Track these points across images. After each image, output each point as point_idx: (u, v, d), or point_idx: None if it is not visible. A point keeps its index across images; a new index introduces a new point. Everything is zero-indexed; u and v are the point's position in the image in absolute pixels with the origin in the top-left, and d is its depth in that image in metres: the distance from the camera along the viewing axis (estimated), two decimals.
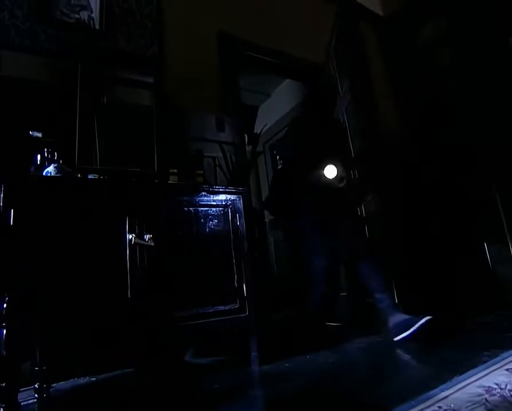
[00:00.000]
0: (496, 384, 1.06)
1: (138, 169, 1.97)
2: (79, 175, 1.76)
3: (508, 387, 1.03)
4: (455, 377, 1.17)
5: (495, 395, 1.00)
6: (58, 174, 1.54)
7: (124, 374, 1.70)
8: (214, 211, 1.65)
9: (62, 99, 2.00)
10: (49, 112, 1.95)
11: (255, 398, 1.35)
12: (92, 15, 2.40)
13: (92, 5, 2.40)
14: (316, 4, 3.46)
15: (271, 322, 2.40)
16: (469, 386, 1.08)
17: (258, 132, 3.16)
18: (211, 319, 1.57)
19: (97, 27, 2.39)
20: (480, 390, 1.05)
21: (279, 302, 3.08)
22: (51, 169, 1.56)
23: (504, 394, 1.00)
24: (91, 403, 1.45)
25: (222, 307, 1.60)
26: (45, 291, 1.26)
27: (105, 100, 2.13)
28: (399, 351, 1.76)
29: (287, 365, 1.69)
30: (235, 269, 1.62)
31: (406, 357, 1.70)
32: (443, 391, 1.09)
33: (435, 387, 1.13)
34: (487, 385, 1.07)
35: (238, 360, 1.72)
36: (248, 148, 2.52)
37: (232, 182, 2.04)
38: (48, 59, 2.09)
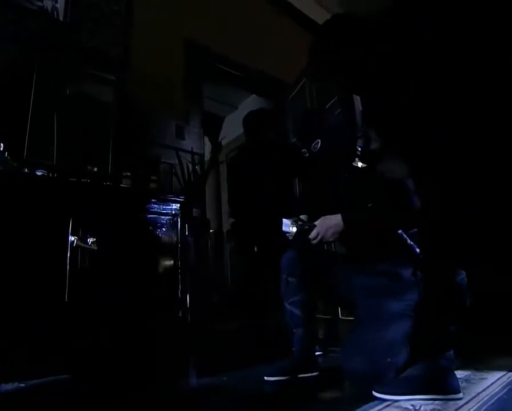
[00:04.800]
0: (412, 405, 1.13)
1: (92, 169, 1.91)
2: (27, 169, 1.68)
3: (422, 408, 1.11)
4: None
5: None
6: None
7: (59, 380, 1.62)
8: (162, 219, 1.65)
9: (18, 89, 1.92)
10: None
11: None
12: (57, 5, 2.33)
13: None
14: (290, 27, 3.59)
15: (218, 333, 2.39)
16: (388, 408, 1.15)
17: (220, 142, 3.20)
18: (151, 328, 1.56)
19: (61, 18, 2.32)
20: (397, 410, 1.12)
21: (229, 313, 3.08)
22: None
23: None
24: None
25: (163, 317, 1.58)
26: None
27: (66, 94, 2.06)
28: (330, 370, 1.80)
29: (225, 378, 1.69)
30: (179, 278, 1.62)
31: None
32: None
33: (357, 407, 1.19)
34: (404, 406, 1.14)
35: (175, 371, 1.70)
36: (207, 158, 2.53)
37: (187, 191, 2.04)
38: (2, 44, 1.99)
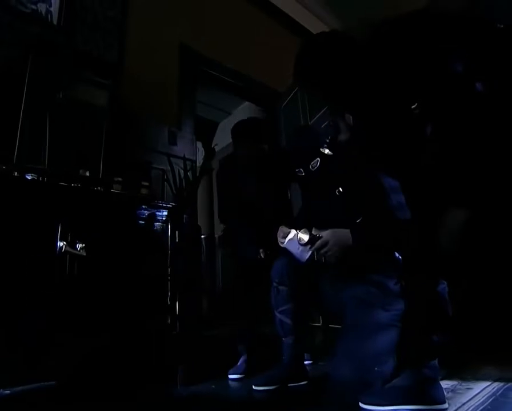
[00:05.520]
0: None
1: (84, 173, 1.90)
2: (16, 173, 1.67)
3: None
4: None
5: None
6: None
7: (45, 387, 1.59)
8: (153, 225, 1.64)
9: (9, 91, 1.91)
10: None
11: None
12: (51, 9, 2.33)
13: None
14: (285, 36, 3.63)
15: (208, 340, 2.37)
16: None
17: (213, 148, 3.20)
18: (140, 337, 1.55)
19: (54, 21, 2.32)
20: None
21: (220, 319, 3.06)
22: None
23: None
24: None
25: (152, 325, 1.57)
26: None
27: (59, 98, 2.05)
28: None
29: (213, 386, 1.69)
30: (169, 286, 1.61)
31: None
32: None
33: None
34: None
35: (164, 379, 1.68)
36: (199, 164, 2.53)
37: (178, 198, 2.04)
38: None
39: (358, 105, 1.38)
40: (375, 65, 1.25)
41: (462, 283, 1.65)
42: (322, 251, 1.43)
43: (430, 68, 1.17)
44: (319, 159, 1.64)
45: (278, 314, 1.67)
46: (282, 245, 1.56)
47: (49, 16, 2.31)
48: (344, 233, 1.42)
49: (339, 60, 1.32)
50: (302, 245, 1.45)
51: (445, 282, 1.29)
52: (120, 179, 1.86)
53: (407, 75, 1.20)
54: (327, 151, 1.54)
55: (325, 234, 1.43)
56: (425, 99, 1.25)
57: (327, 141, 1.52)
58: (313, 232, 1.44)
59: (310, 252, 1.46)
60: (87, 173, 1.91)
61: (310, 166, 1.62)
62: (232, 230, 2.16)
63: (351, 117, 1.46)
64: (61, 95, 2.07)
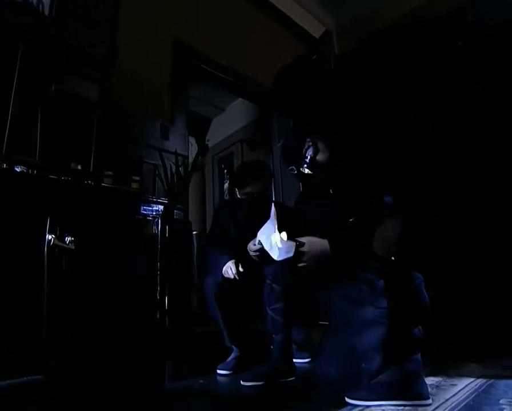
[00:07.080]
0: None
1: (75, 166, 1.89)
2: (5, 165, 1.65)
3: None
4: None
5: None
6: None
7: (32, 381, 1.58)
8: (143, 220, 1.64)
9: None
10: None
11: None
12: (43, 0, 2.30)
13: None
14: (280, 35, 3.63)
15: (197, 336, 2.37)
16: None
17: (207, 143, 3.19)
18: (128, 332, 1.54)
19: (46, 13, 2.29)
20: None
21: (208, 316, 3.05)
22: None
23: None
24: None
25: (141, 320, 1.57)
26: None
27: (51, 90, 2.03)
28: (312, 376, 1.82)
29: (201, 381, 1.69)
30: (158, 281, 1.61)
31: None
32: None
33: None
34: None
35: (153, 374, 1.68)
36: (191, 159, 2.52)
37: (170, 193, 2.04)
38: None
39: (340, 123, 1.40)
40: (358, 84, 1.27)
41: (450, 283, 1.69)
42: (301, 265, 1.43)
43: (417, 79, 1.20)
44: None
45: (270, 312, 1.69)
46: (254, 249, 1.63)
47: (40, 6, 2.28)
48: (322, 244, 1.42)
49: (315, 83, 1.33)
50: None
51: (420, 276, 1.31)
52: (111, 173, 1.85)
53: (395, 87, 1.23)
54: (306, 171, 1.56)
55: (305, 245, 1.42)
56: (417, 108, 1.28)
57: (306, 161, 1.54)
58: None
59: (286, 254, 1.44)
60: (79, 167, 1.91)
61: (301, 168, 1.64)
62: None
63: (329, 138, 1.49)
64: (52, 87, 2.05)
